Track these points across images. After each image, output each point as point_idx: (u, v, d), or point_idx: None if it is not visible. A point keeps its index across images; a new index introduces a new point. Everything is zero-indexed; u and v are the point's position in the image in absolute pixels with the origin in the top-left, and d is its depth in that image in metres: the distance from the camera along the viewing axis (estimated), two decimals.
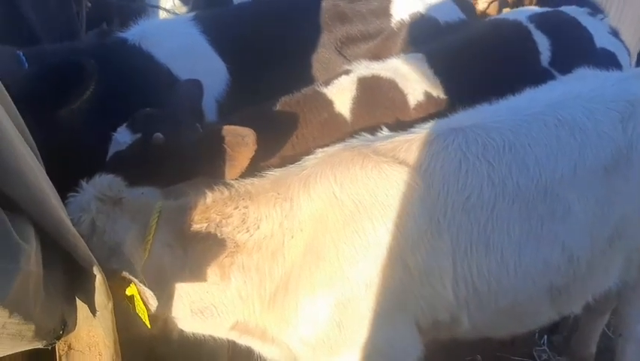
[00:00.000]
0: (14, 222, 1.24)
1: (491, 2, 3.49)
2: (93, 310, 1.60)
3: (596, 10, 3.27)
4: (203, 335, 2.16)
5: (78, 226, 1.72)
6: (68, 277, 1.53)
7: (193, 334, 2.13)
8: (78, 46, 2.53)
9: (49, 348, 1.53)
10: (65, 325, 1.51)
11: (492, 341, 3.28)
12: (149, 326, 1.79)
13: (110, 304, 1.63)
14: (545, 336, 3.57)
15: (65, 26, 3.13)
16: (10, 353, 1.35)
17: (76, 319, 1.60)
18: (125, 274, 1.67)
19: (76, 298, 1.65)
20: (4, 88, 1.39)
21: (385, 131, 2.12)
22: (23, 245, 1.22)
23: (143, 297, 1.68)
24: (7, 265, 1.18)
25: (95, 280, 1.52)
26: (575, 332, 3.29)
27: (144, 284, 1.66)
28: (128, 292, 1.71)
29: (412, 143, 2.02)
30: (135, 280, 1.66)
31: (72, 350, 1.69)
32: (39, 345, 1.40)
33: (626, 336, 2.72)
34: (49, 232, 1.36)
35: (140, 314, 1.74)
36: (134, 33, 2.71)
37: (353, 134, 2.20)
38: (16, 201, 1.27)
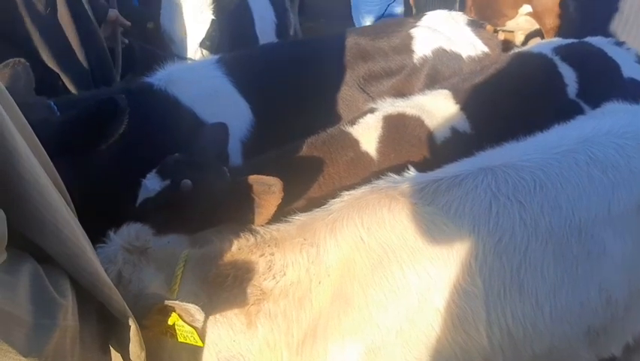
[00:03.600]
0: (50, 276, 1.25)
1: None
2: (127, 360, 1.60)
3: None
4: None
5: None
6: (103, 326, 1.53)
7: None
8: (105, 93, 2.57)
9: None
10: None
11: None
12: (202, 344, 1.80)
13: (144, 354, 1.63)
14: None
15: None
16: None
17: None
18: (166, 302, 1.68)
19: (111, 348, 1.64)
20: (34, 134, 1.40)
21: (412, 171, 2.08)
22: (60, 300, 1.24)
23: (186, 318, 1.69)
24: (45, 321, 1.19)
25: (129, 331, 1.53)
26: None
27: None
28: (170, 321, 1.72)
29: (440, 184, 1.98)
30: (175, 303, 1.66)
31: None
32: None
33: None
34: (83, 284, 1.37)
35: (188, 340, 1.76)
36: (160, 78, 2.75)
37: (380, 173, 2.18)
38: (50, 254, 1.27)
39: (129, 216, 1.99)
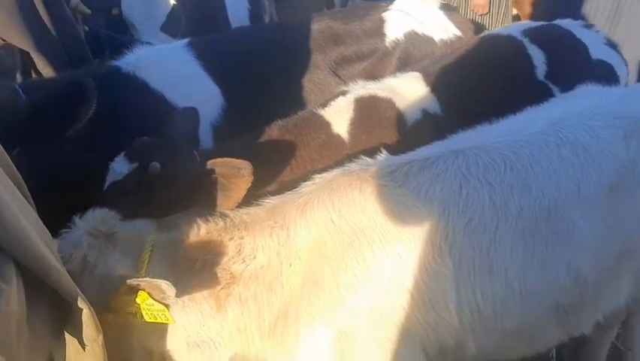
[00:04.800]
0: None
1: None
2: (82, 344, 1.56)
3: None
4: None
5: (70, 263, 1.71)
6: (55, 311, 1.49)
7: None
8: (72, 77, 2.51)
9: None
10: None
11: None
12: (173, 322, 1.79)
13: (100, 338, 1.58)
14: (554, 350, 3.51)
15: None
16: None
17: (65, 354, 1.56)
18: (130, 281, 1.66)
19: (65, 333, 1.61)
20: None
21: (384, 154, 2.08)
22: (2, 286, 1.19)
23: (156, 295, 1.67)
24: None
25: (81, 314, 1.49)
26: (583, 346, 3.23)
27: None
28: (138, 299, 1.71)
29: (411, 166, 1.98)
30: (142, 280, 1.65)
31: None
32: None
33: (636, 350, 2.71)
34: (31, 268, 1.33)
35: (158, 319, 1.74)
36: (128, 61, 2.69)
37: (351, 155, 2.18)
38: None
39: (96, 201, 1.95)
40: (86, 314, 1.49)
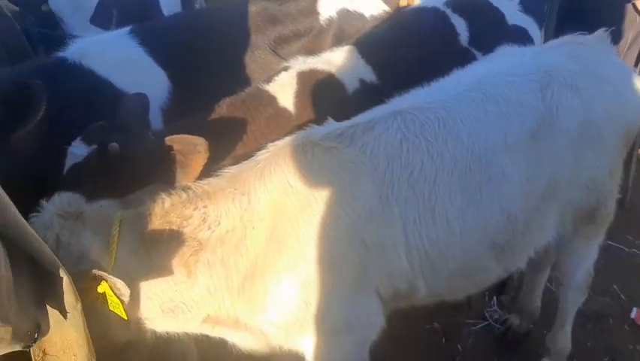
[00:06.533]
0: None
1: None
2: (64, 313, 1.64)
3: None
4: (174, 335, 2.22)
5: None
6: (35, 283, 1.57)
7: (167, 333, 2.19)
8: (18, 70, 2.53)
9: (28, 351, 1.57)
10: (39, 327, 1.55)
11: (447, 308, 3.53)
12: (126, 318, 1.87)
13: (79, 305, 1.67)
14: (495, 298, 3.82)
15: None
16: None
17: (49, 322, 1.64)
18: (95, 272, 1.74)
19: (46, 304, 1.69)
20: None
21: (330, 121, 2.23)
22: None
23: (115, 290, 1.75)
24: None
25: (62, 283, 1.57)
26: (520, 291, 3.54)
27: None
28: (100, 289, 1.78)
29: (356, 129, 2.15)
30: (104, 274, 1.73)
31: (48, 355, 1.73)
32: (18, 347, 1.45)
33: (566, 284, 3.00)
34: (13, 238, 1.40)
35: (115, 310, 1.82)
36: (73, 51, 2.73)
37: (299, 126, 2.32)
38: None
39: (58, 188, 2.00)
40: (66, 283, 1.58)
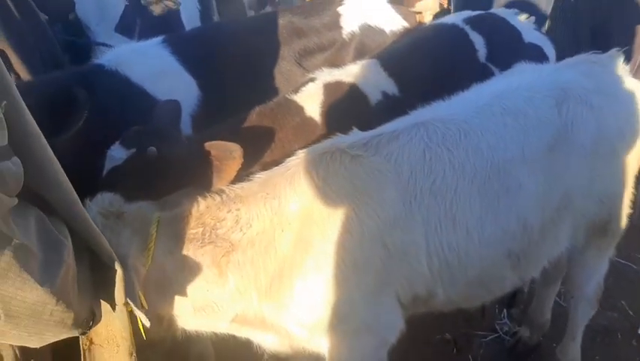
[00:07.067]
0: (52, 222, 1.39)
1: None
2: (113, 305, 1.74)
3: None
4: (196, 336, 2.31)
5: None
6: (92, 275, 1.67)
7: (196, 332, 2.28)
8: (59, 76, 2.64)
9: (79, 338, 1.65)
10: (94, 316, 1.66)
11: (458, 319, 3.60)
12: (144, 338, 1.94)
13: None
14: (505, 310, 3.88)
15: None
16: (54, 340, 1.48)
17: (101, 312, 1.74)
18: (127, 300, 1.80)
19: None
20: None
21: (356, 131, 2.33)
22: (64, 240, 1.38)
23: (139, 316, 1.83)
24: (54, 257, 1.34)
25: (116, 276, 1.67)
26: (530, 304, 3.61)
27: (140, 304, 1.83)
28: (128, 308, 1.86)
29: (381, 138, 2.24)
30: (132, 305, 1.79)
31: (93, 345, 1.84)
32: (76, 333, 1.55)
33: (577, 297, 3.06)
34: (78, 231, 1.51)
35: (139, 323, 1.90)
36: (110, 59, 2.86)
37: (324, 136, 2.42)
38: (51, 203, 1.41)
39: (97, 190, 2.10)
40: (119, 276, 1.69)
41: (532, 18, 3.59)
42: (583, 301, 3.05)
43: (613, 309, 3.88)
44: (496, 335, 3.73)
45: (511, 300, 3.86)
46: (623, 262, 4.21)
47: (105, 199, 2.05)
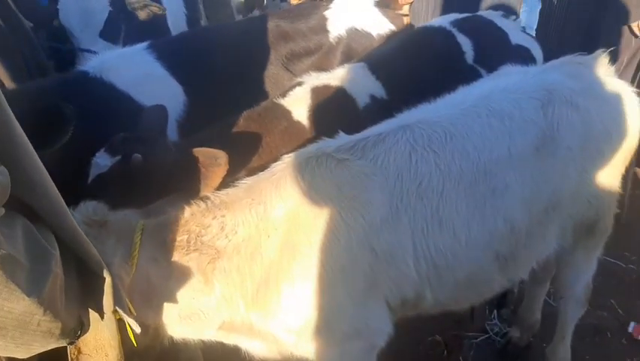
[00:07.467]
0: (39, 231, 1.38)
1: None
2: (102, 314, 1.72)
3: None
4: (185, 342, 2.29)
5: None
6: (80, 283, 1.65)
7: (183, 340, 2.26)
8: (43, 85, 2.62)
9: (67, 348, 1.63)
10: (82, 325, 1.64)
11: (448, 321, 3.60)
12: (135, 345, 1.92)
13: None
14: (495, 311, 3.89)
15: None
16: (42, 350, 1.46)
17: (89, 321, 1.72)
18: (116, 307, 1.78)
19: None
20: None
21: (342, 134, 2.32)
22: (51, 249, 1.37)
23: (129, 323, 1.82)
24: (42, 267, 1.33)
25: (104, 284, 1.66)
26: (520, 304, 3.62)
27: (129, 311, 1.81)
28: (117, 316, 1.83)
29: (367, 141, 2.23)
30: (122, 313, 1.78)
31: (82, 354, 1.81)
32: (64, 343, 1.52)
33: (567, 297, 3.06)
34: (65, 239, 1.49)
35: (129, 331, 1.88)
36: (94, 66, 2.84)
37: (312, 140, 2.41)
38: (38, 213, 1.40)
39: (82, 197, 2.08)
40: (107, 284, 1.67)
41: (520, 19, 3.61)
42: (572, 301, 3.06)
43: (603, 308, 3.89)
44: (486, 335, 3.74)
45: (501, 301, 3.87)
46: (612, 260, 4.23)
47: (89, 207, 2.03)
